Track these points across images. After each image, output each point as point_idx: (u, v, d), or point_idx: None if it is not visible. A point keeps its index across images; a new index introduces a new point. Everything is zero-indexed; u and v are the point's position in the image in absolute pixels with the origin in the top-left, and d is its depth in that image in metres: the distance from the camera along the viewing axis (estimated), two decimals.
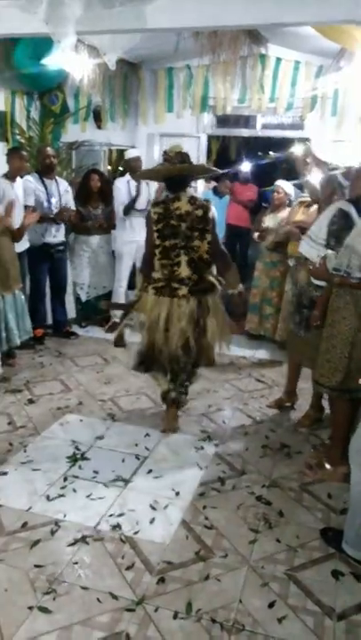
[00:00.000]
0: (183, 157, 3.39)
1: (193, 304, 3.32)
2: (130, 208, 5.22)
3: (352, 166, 3.33)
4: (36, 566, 2.31)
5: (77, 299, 5.63)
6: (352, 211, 2.88)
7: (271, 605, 2.16)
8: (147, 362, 3.52)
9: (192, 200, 3.33)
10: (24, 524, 2.57)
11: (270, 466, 3.20)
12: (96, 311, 5.72)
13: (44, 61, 4.18)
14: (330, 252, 2.87)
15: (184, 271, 3.31)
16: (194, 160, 3.84)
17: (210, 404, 4.00)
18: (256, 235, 5.13)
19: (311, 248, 3.13)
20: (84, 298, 5.61)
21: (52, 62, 4.18)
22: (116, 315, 5.57)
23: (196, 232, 3.29)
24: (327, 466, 3.12)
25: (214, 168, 4.11)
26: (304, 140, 5.82)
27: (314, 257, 3.04)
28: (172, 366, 3.48)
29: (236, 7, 2.48)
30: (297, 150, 3.97)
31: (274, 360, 4.95)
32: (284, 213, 4.83)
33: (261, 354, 5.10)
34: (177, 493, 2.87)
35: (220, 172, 4.27)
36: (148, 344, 3.42)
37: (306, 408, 3.79)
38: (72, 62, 4.34)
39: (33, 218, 4.34)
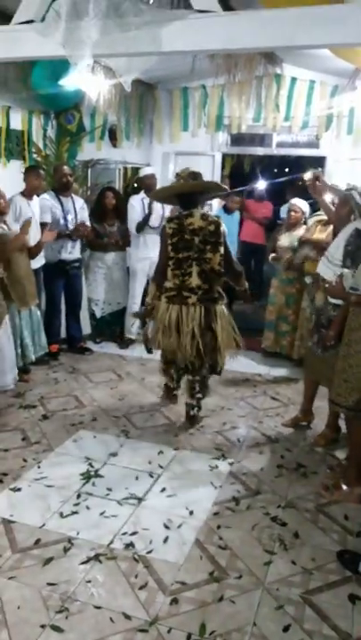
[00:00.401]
0: (195, 176, 3.68)
1: (201, 311, 3.57)
2: (143, 225, 5.27)
3: None
4: (49, 584, 2.29)
5: (92, 315, 5.67)
6: None
7: (286, 629, 2.12)
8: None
9: (204, 216, 3.62)
10: (37, 541, 2.57)
11: (286, 486, 3.16)
12: (110, 327, 5.75)
13: (61, 82, 4.27)
14: (346, 270, 2.86)
15: (195, 281, 3.59)
16: (208, 178, 3.93)
17: (224, 421, 3.98)
18: (271, 256, 5.12)
19: (328, 269, 3.13)
20: (98, 314, 5.64)
21: (68, 83, 4.27)
22: (131, 331, 5.60)
23: (209, 245, 3.57)
24: (344, 487, 3.08)
25: (225, 186, 4.14)
26: (317, 163, 5.87)
27: (330, 277, 3.03)
28: (184, 371, 3.85)
29: (249, 30, 2.50)
30: (307, 176, 4.02)
31: (290, 378, 4.92)
32: (300, 232, 4.83)
33: (277, 371, 5.07)
34: (191, 512, 2.85)
35: (228, 190, 4.31)
36: (162, 349, 3.78)
37: (322, 427, 3.75)
38: (88, 83, 4.43)
39: (51, 236, 4.41)
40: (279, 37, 2.58)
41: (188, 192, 3.67)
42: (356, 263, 3.00)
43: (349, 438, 3.15)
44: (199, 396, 3.83)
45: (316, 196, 4.00)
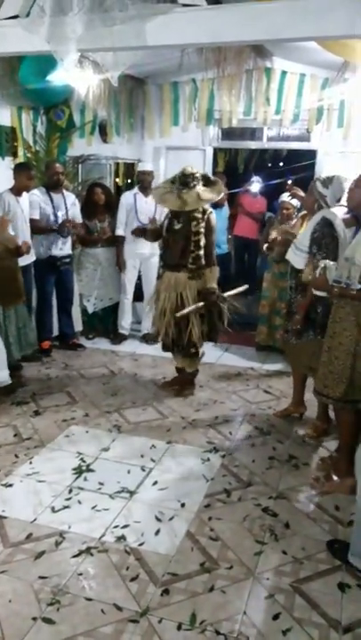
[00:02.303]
0: (185, 179, 3.91)
1: None
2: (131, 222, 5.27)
3: (333, 176, 3.35)
4: (41, 577, 2.31)
5: (84, 311, 5.67)
6: (336, 220, 2.91)
7: (276, 617, 2.15)
8: None
9: None
10: (29, 536, 2.58)
11: (277, 477, 3.18)
12: (103, 323, 5.76)
13: (50, 77, 4.26)
14: (331, 262, 2.89)
15: None
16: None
17: (216, 415, 4.00)
18: (265, 247, 5.15)
19: (296, 255, 3.17)
20: (90, 310, 5.64)
21: (57, 78, 4.26)
22: (123, 327, 5.61)
23: None
24: (335, 477, 3.11)
25: (215, 195, 4.14)
26: (308, 156, 5.90)
27: (299, 264, 3.08)
28: None
29: (235, 23, 2.52)
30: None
31: (282, 371, 4.94)
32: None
33: (270, 365, 5.09)
34: (182, 505, 2.86)
35: (221, 195, 4.39)
36: None
37: (313, 419, 3.78)
38: (77, 78, 4.40)
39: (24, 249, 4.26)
40: (265, 30, 2.59)
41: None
42: (320, 249, 3.04)
43: (339, 429, 3.18)
44: None
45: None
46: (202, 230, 3.94)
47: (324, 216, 3.23)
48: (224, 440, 3.62)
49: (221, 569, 2.41)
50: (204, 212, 3.98)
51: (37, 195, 4.85)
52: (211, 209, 4.09)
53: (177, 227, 4.02)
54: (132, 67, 4.76)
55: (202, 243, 3.96)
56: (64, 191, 5.07)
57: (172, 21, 2.57)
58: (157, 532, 2.64)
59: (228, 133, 6.22)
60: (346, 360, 2.84)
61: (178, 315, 3.93)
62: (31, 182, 4.63)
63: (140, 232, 4.73)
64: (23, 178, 4.53)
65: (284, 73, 5.61)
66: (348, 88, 5.19)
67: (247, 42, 3.35)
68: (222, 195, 4.37)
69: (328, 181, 3.34)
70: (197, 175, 3.99)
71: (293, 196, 4.63)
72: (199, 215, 3.95)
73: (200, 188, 3.95)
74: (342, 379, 2.87)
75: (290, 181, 4.70)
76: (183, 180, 3.93)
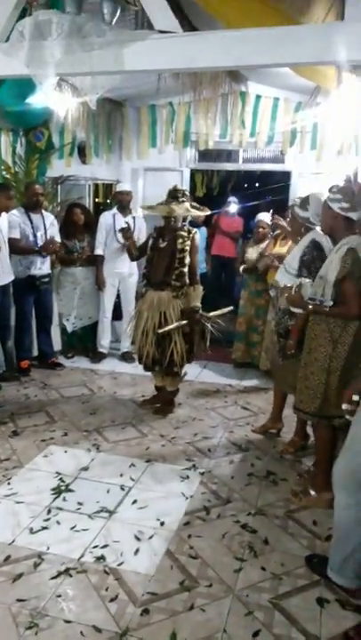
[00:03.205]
0: (175, 194, 4.07)
1: None
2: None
3: (307, 196, 3.45)
4: (19, 600, 2.28)
5: (63, 330, 5.66)
6: (324, 241, 2.97)
7: (256, 634, 2.15)
8: None
9: None
10: (7, 558, 2.54)
11: (256, 494, 3.20)
12: (82, 342, 5.75)
13: (29, 100, 4.30)
14: (306, 280, 2.95)
15: None
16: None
17: (196, 432, 4.01)
18: (241, 268, 5.23)
19: (285, 277, 3.23)
20: (69, 329, 5.63)
21: (36, 101, 4.31)
22: (103, 345, 5.61)
23: None
24: (312, 492, 3.13)
25: (202, 211, 4.29)
26: (282, 177, 6.04)
27: (287, 285, 3.13)
28: None
29: (209, 50, 2.60)
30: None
31: (260, 387, 4.99)
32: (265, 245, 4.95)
33: (248, 382, 5.13)
34: (162, 523, 2.86)
35: (206, 213, 4.48)
36: None
37: (291, 435, 3.82)
38: (56, 101, 4.47)
39: None
40: (239, 57, 2.68)
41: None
42: (311, 273, 3.10)
43: (316, 444, 3.22)
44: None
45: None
46: (187, 248, 4.01)
47: (314, 238, 3.28)
48: (203, 457, 3.63)
49: (201, 587, 2.41)
50: (189, 231, 4.07)
51: (17, 215, 4.87)
52: (196, 229, 4.18)
53: (162, 245, 4.08)
54: (111, 90, 4.82)
55: (186, 261, 4.02)
56: (43, 211, 5.09)
57: (149, 47, 2.65)
58: (137, 552, 2.63)
59: (205, 155, 6.34)
60: (321, 375, 2.89)
61: (160, 331, 3.96)
62: (11, 202, 4.65)
63: (126, 231, 4.58)
64: (2, 198, 4.55)
65: (258, 97, 5.76)
66: (321, 111, 5.36)
67: (221, 68, 3.45)
68: (207, 212, 4.45)
69: (305, 202, 3.42)
70: (187, 193, 4.15)
71: (276, 225, 4.66)
72: (185, 233, 4.04)
73: (187, 204, 4.07)
74: (317, 394, 2.92)
75: (271, 211, 4.83)
76: (173, 194, 4.08)
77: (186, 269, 4.03)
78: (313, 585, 2.44)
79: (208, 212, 4.45)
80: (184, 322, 4.00)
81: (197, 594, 2.36)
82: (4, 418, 4.13)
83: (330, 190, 2.95)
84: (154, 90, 5.04)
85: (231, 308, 4.54)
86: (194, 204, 4.20)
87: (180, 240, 4.01)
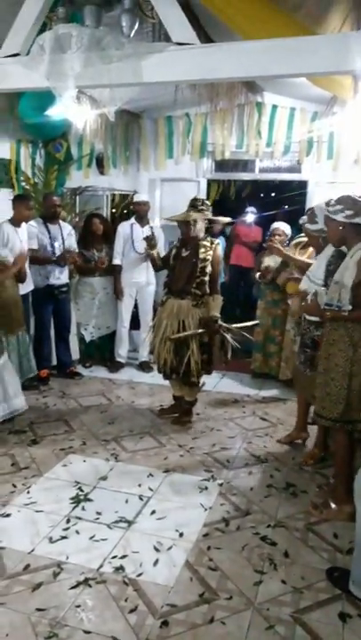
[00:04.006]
0: (194, 203, 4.15)
1: None
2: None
3: (311, 209, 3.46)
4: (38, 610, 2.28)
5: (81, 339, 5.69)
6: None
7: None
8: None
9: None
10: (26, 567, 2.55)
11: (275, 505, 3.17)
12: (100, 351, 5.77)
13: (48, 112, 4.37)
14: (321, 288, 2.94)
15: None
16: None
17: (214, 442, 3.99)
18: (257, 275, 5.22)
19: (309, 287, 3.22)
20: (88, 338, 5.66)
21: (55, 113, 4.37)
22: (121, 355, 5.63)
23: None
24: (333, 505, 3.08)
25: (215, 218, 4.36)
26: (299, 187, 6.03)
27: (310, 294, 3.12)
28: None
29: (226, 61, 2.62)
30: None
31: (279, 398, 4.95)
32: None
33: (266, 392, 5.10)
34: (181, 534, 2.84)
35: (225, 220, 4.52)
36: None
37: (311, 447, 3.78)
38: (75, 113, 4.52)
39: (23, 260, 4.42)
40: (256, 68, 2.69)
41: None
42: None
43: (335, 454, 3.18)
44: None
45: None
46: (209, 258, 4.03)
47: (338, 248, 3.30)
48: (222, 468, 3.61)
49: (221, 599, 2.38)
50: (212, 241, 4.09)
51: (35, 226, 4.93)
52: (218, 240, 4.21)
53: (184, 254, 4.12)
54: (128, 102, 4.89)
55: (208, 269, 4.03)
56: (60, 222, 5.14)
57: (166, 59, 2.67)
58: (156, 563, 2.61)
59: (222, 165, 6.36)
60: (342, 381, 2.88)
61: (172, 337, 3.97)
62: (30, 213, 4.71)
63: (150, 239, 4.45)
64: (22, 208, 4.61)
65: (274, 107, 5.77)
66: (337, 121, 5.35)
67: (238, 78, 3.46)
68: (227, 220, 4.51)
69: (313, 216, 3.46)
70: (207, 203, 4.21)
71: (271, 248, 4.58)
72: (207, 243, 4.07)
73: (207, 213, 4.13)
74: (339, 399, 2.90)
75: (269, 232, 4.90)
76: (193, 203, 4.15)
77: (207, 278, 4.04)
78: (335, 599, 2.40)
79: (227, 220, 4.47)
80: (200, 330, 3.99)
81: (217, 606, 2.34)
82: (23, 426, 4.15)
83: (327, 205, 2.99)
84: (171, 101, 5.08)
85: (257, 322, 4.56)
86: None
87: (203, 249, 4.04)
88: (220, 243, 4.20)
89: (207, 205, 4.17)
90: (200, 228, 4.09)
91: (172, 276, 4.21)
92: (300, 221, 3.70)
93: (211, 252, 4.05)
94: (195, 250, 4.06)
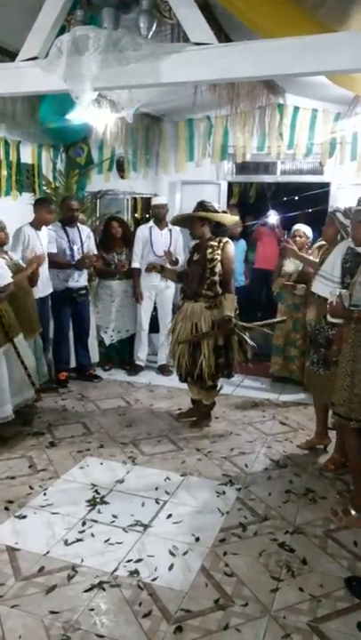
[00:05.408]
0: (201, 205, 4.10)
1: None
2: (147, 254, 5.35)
3: (351, 207, 3.38)
4: (52, 612, 2.27)
5: (101, 342, 5.70)
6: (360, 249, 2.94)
7: None
8: None
9: None
10: (41, 569, 2.54)
11: (294, 511, 3.11)
12: (119, 354, 5.78)
13: (69, 116, 4.39)
14: (344, 291, 2.89)
15: None
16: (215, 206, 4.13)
17: (232, 447, 3.94)
18: (279, 280, 5.15)
19: (326, 286, 3.16)
20: (107, 341, 5.67)
21: (75, 117, 4.39)
22: (140, 358, 5.62)
23: None
24: (353, 512, 3.02)
25: (228, 218, 4.29)
26: (321, 188, 5.95)
27: (328, 295, 3.07)
28: None
29: (245, 60, 2.58)
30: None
31: (299, 402, 4.88)
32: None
33: (286, 396, 5.04)
34: (197, 539, 2.81)
35: (235, 221, 4.48)
36: None
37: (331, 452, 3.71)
38: (95, 116, 4.55)
39: (40, 260, 4.42)
40: (275, 66, 2.64)
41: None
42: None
43: (352, 460, 3.10)
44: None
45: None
46: (217, 257, 4.01)
47: (350, 246, 3.25)
48: (240, 473, 3.56)
49: (236, 606, 2.34)
50: (220, 240, 4.05)
51: (53, 230, 4.96)
52: (227, 238, 4.16)
53: (196, 257, 4.13)
54: (148, 105, 4.92)
55: (217, 269, 4.00)
56: (79, 225, 5.17)
57: (184, 59, 2.65)
58: (171, 567, 2.58)
59: (243, 168, 6.31)
60: None
61: (181, 340, 3.99)
62: (51, 216, 4.74)
63: (153, 268, 4.61)
64: (44, 212, 4.64)
65: (296, 108, 5.71)
66: (360, 121, 5.27)
67: (257, 78, 3.41)
68: (236, 221, 4.45)
69: (349, 212, 3.38)
70: (215, 205, 4.17)
71: (285, 249, 4.59)
72: (215, 243, 4.06)
73: (213, 214, 4.12)
74: None
75: (285, 234, 4.83)
76: (199, 205, 4.15)
77: (217, 278, 4.01)
78: (354, 608, 2.34)
79: (235, 219, 4.41)
80: (210, 332, 3.95)
81: (232, 613, 2.30)
82: (41, 429, 4.17)
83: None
84: (191, 104, 5.05)
85: (284, 318, 4.50)
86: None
87: (210, 250, 4.03)
88: (228, 241, 4.15)
89: (214, 208, 4.13)
90: (205, 228, 4.09)
91: (186, 279, 4.22)
92: (332, 209, 3.65)
93: (219, 252, 4.03)
94: (204, 251, 4.05)
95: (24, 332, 4.11)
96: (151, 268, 4.59)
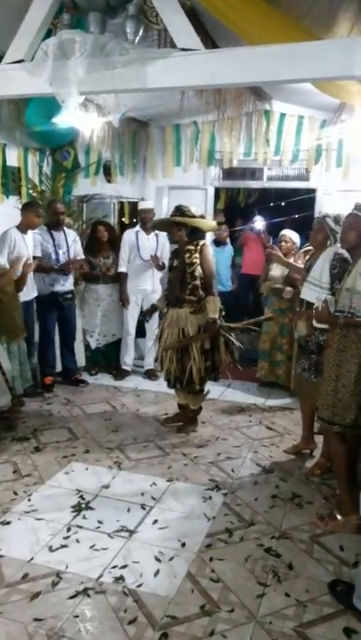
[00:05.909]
0: (178, 210, 4.09)
1: None
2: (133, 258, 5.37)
3: (340, 214, 3.41)
4: (36, 620, 2.24)
5: (87, 346, 5.67)
6: (346, 254, 2.96)
7: None
8: None
9: None
10: (25, 576, 2.51)
11: (280, 517, 3.11)
12: (105, 359, 5.75)
13: (55, 120, 4.38)
14: (330, 297, 2.91)
15: None
16: (201, 211, 4.13)
17: (219, 452, 3.94)
18: (263, 287, 5.18)
19: (314, 292, 3.17)
20: (93, 345, 5.64)
21: (62, 121, 4.38)
22: (126, 363, 5.60)
23: None
24: (339, 517, 3.02)
25: (207, 222, 4.32)
26: (307, 194, 6.00)
27: (316, 301, 3.08)
28: None
29: (232, 67, 2.59)
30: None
31: (285, 407, 4.89)
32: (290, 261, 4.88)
33: (273, 401, 5.05)
34: (183, 545, 2.79)
35: (213, 226, 4.48)
36: None
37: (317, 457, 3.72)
38: (82, 120, 4.54)
39: (30, 267, 4.44)
40: (261, 73, 2.66)
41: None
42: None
43: (337, 464, 3.12)
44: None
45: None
46: (196, 261, 4.00)
47: (337, 252, 3.28)
48: (226, 478, 3.56)
49: (222, 612, 2.33)
50: (197, 244, 4.05)
51: (39, 233, 4.93)
52: (204, 241, 4.16)
53: (175, 263, 4.12)
54: (135, 110, 4.92)
55: (197, 273, 3.99)
56: (65, 229, 5.15)
57: (171, 65, 2.66)
58: (157, 573, 2.56)
59: (229, 173, 6.34)
60: (356, 387, 2.84)
61: (166, 346, 3.98)
62: (39, 220, 4.72)
63: (152, 311, 4.65)
64: (32, 216, 4.62)
65: (282, 115, 5.76)
66: (346, 128, 5.32)
67: (244, 84, 3.45)
68: (214, 226, 4.45)
69: (339, 219, 3.40)
70: (192, 210, 4.12)
71: (270, 255, 4.63)
72: (192, 247, 4.05)
73: (189, 219, 4.09)
74: (351, 405, 2.86)
75: (270, 240, 4.88)
76: (178, 208, 4.14)
77: (198, 282, 4.00)
78: (340, 614, 2.34)
79: (213, 224, 4.42)
80: (197, 335, 3.95)
81: (218, 619, 2.28)
82: (26, 434, 4.13)
83: (357, 208, 2.95)
84: (178, 109, 5.08)
85: (271, 315, 4.51)
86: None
87: (188, 254, 4.03)
88: (206, 243, 4.14)
89: (191, 212, 4.09)
90: (182, 232, 4.07)
91: (168, 286, 4.22)
92: (321, 214, 3.65)
93: (197, 255, 4.02)
94: (182, 256, 4.05)
95: (6, 337, 4.07)
96: (152, 311, 4.61)
